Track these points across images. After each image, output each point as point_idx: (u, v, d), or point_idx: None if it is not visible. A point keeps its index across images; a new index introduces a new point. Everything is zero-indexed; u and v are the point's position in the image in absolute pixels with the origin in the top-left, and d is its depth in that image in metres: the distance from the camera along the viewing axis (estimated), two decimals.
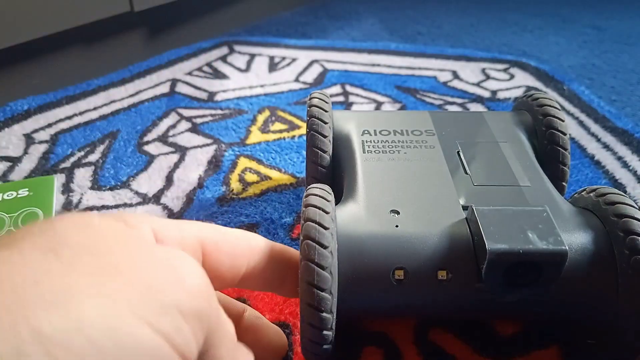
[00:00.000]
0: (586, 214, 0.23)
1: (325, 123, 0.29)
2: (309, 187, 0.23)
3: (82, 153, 0.42)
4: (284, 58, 0.62)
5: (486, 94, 0.53)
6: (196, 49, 0.64)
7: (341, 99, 0.52)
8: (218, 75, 0.58)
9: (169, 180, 0.38)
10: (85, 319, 0.12)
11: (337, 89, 0.54)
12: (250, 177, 0.38)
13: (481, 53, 0.64)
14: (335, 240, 0.21)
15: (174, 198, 0.36)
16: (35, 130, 0.45)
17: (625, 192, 0.36)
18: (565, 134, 0.29)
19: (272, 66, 0.60)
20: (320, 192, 0.22)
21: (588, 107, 0.49)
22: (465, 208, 0.23)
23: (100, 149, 0.43)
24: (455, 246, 0.21)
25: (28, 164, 0.40)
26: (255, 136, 0.44)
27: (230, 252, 0.19)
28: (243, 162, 0.40)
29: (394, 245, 0.21)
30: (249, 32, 0.74)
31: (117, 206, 0.35)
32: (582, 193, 0.24)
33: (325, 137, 0.29)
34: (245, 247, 0.20)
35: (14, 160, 0.41)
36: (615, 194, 0.22)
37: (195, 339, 0.14)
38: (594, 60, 0.63)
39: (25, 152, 0.42)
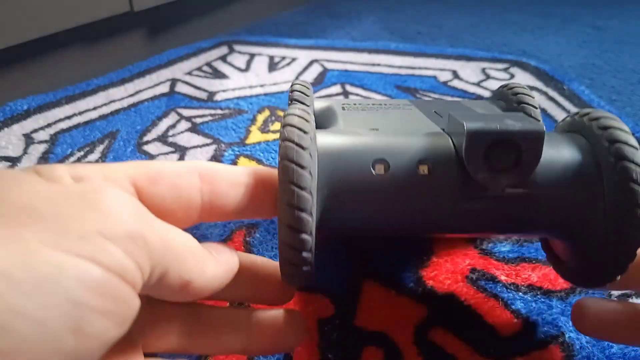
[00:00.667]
0: (570, 134, 0.23)
1: (307, 96, 0.30)
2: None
3: (82, 153, 0.42)
4: (283, 58, 0.62)
5: (486, 94, 0.53)
6: (196, 49, 0.64)
7: (341, 98, 0.52)
8: (218, 75, 0.58)
9: None
10: None
11: (337, 88, 0.54)
12: None
13: (481, 53, 0.64)
14: (315, 144, 0.21)
15: None
16: (35, 130, 0.45)
17: None
18: (535, 107, 0.29)
19: (272, 66, 0.60)
20: (300, 106, 0.22)
21: (588, 107, 0.49)
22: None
23: (100, 148, 0.43)
24: (436, 143, 0.22)
25: (27, 164, 0.40)
26: (255, 136, 0.44)
27: (172, 185, 0.18)
28: (243, 162, 0.40)
29: (374, 141, 0.22)
30: (248, 31, 0.74)
31: None
32: (566, 118, 0.24)
33: (306, 106, 0.30)
34: (193, 178, 0.18)
35: (14, 160, 0.41)
36: (597, 111, 0.22)
37: (132, 259, 0.13)
38: (594, 60, 0.63)
39: (25, 152, 0.42)
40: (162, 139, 0.44)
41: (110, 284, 0.12)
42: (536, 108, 0.30)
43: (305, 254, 0.19)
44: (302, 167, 0.19)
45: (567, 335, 0.25)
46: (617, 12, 0.83)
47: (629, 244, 0.20)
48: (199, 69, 0.59)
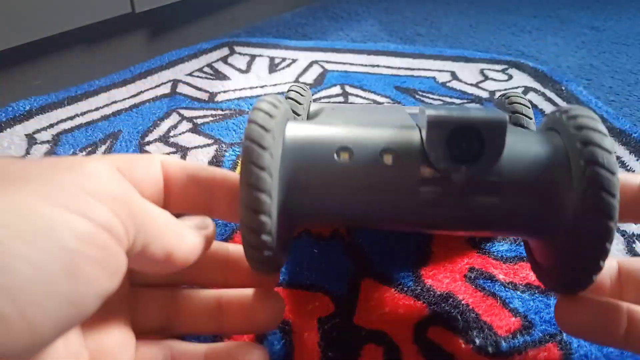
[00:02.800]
0: (546, 131, 0.22)
1: (300, 104, 0.30)
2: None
3: (84, 153, 0.42)
4: (284, 59, 0.63)
5: (484, 95, 0.53)
6: (197, 50, 0.64)
7: (341, 99, 0.52)
8: (219, 76, 0.58)
9: None
10: None
11: (336, 89, 0.55)
12: None
13: (480, 54, 0.65)
14: (280, 144, 0.20)
15: None
16: (37, 131, 0.45)
17: None
18: (530, 118, 0.29)
19: (273, 67, 0.60)
20: (271, 98, 0.22)
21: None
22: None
23: (102, 149, 0.43)
24: (403, 134, 0.21)
25: None
26: None
27: (146, 171, 0.19)
28: None
29: (341, 129, 0.21)
30: (249, 33, 0.74)
31: None
32: (548, 114, 0.23)
33: (298, 115, 0.30)
34: (157, 167, 0.20)
35: None
36: (576, 108, 0.21)
37: (117, 217, 0.14)
38: (592, 61, 0.63)
39: (27, 153, 0.42)
40: (164, 139, 0.44)
41: (98, 236, 0.14)
42: (530, 118, 0.29)
43: (264, 237, 0.19)
44: (263, 148, 0.19)
45: (565, 334, 0.25)
46: (614, 13, 0.83)
47: (594, 253, 0.19)
48: (200, 70, 0.59)
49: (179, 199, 0.21)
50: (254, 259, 0.20)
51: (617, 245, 0.32)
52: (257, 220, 0.19)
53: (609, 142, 0.19)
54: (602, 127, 0.20)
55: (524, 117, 0.29)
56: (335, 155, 0.21)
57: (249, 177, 0.18)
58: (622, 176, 0.20)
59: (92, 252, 0.13)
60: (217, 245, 0.23)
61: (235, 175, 0.21)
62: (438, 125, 0.19)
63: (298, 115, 0.30)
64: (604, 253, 0.19)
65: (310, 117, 0.31)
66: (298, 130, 0.22)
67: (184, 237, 0.18)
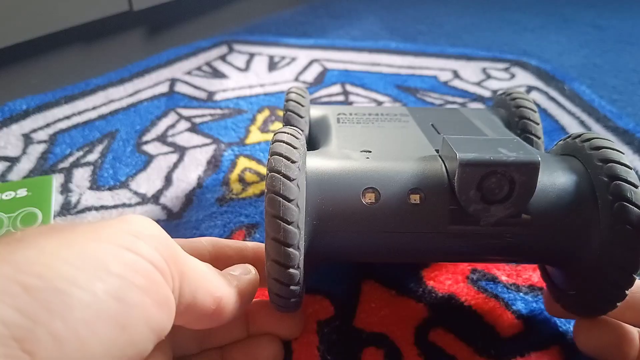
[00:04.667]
0: (568, 158, 0.22)
1: (302, 106, 0.30)
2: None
3: (81, 153, 0.42)
4: (283, 57, 0.62)
5: (487, 94, 0.53)
6: (195, 48, 0.64)
7: (341, 98, 0.52)
8: (217, 74, 0.57)
9: (168, 180, 0.38)
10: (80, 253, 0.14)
11: (337, 88, 0.54)
12: (249, 177, 0.38)
13: (482, 52, 0.64)
14: (304, 174, 0.20)
15: (173, 198, 0.36)
16: (34, 130, 0.45)
17: None
18: (534, 111, 0.30)
19: (272, 65, 0.60)
20: (290, 130, 0.22)
21: (589, 107, 0.49)
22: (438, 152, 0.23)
23: (99, 148, 0.42)
24: (428, 170, 0.21)
25: (26, 164, 0.40)
26: (255, 136, 0.44)
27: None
28: (242, 162, 0.40)
29: (365, 169, 0.21)
30: (248, 31, 0.74)
31: (115, 206, 0.35)
32: (566, 140, 0.23)
33: (301, 117, 0.30)
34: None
35: (13, 160, 0.41)
36: (600, 138, 0.21)
37: (160, 255, 0.16)
38: (595, 60, 0.63)
39: (24, 152, 0.42)
40: (162, 138, 0.44)
41: (142, 265, 0.15)
42: (535, 112, 0.30)
43: (293, 287, 0.19)
44: (288, 200, 0.18)
45: (568, 336, 0.25)
46: (618, 12, 0.83)
47: (625, 268, 0.19)
48: (199, 68, 0.59)
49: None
50: (282, 306, 0.21)
51: None
52: (286, 273, 0.19)
53: (626, 158, 0.20)
54: (616, 146, 0.21)
55: (529, 110, 0.30)
56: (361, 197, 0.20)
57: (276, 232, 0.18)
58: None
59: (137, 279, 0.15)
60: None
61: (245, 244, 0.23)
62: (470, 169, 0.19)
63: (301, 117, 0.30)
64: (630, 282, 0.19)
65: (312, 124, 0.30)
66: (320, 168, 0.21)
67: (231, 284, 0.19)
